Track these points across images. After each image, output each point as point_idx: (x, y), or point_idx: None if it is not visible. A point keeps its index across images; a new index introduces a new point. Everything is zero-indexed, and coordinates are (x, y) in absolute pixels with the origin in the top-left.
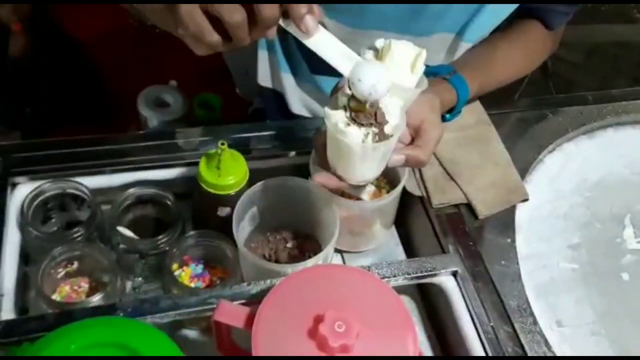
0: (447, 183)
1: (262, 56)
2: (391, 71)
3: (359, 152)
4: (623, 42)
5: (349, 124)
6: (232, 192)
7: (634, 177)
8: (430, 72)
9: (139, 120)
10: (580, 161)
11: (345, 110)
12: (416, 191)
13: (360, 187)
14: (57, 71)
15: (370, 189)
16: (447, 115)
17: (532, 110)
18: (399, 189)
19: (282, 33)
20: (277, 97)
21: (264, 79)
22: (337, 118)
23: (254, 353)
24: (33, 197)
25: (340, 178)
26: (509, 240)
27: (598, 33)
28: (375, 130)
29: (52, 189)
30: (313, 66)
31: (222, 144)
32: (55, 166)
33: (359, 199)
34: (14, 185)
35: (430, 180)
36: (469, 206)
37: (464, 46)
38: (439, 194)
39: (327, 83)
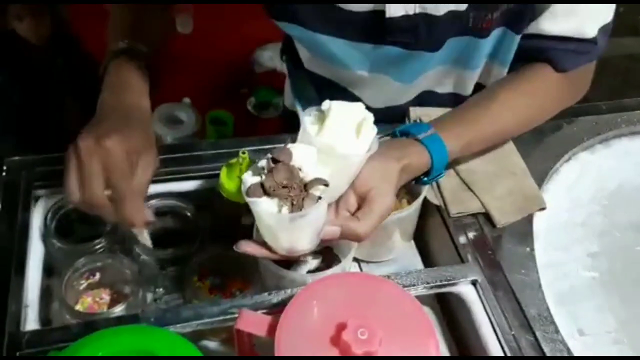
0: (465, 193)
1: (287, 82)
2: (331, 135)
3: (275, 224)
4: (633, 54)
5: (258, 193)
6: None
7: None
8: (403, 132)
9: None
10: (597, 170)
11: (262, 177)
12: (434, 200)
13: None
14: (76, 87)
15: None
16: (424, 179)
17: (547, 120)
18: (419, 200)
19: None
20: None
21: (289, 103)
22: (251, 183)
23: None
24: (55, 210)
25: (269, 249)
26: (527, 249)
27: (608, 47)
28: (294, 200)
29: None
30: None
31: (243, 152)
32: None
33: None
34: (37, 198)
35: (447, 191)
36: (486, 215)
37: (470, 74)
38: (457, 204)
39: None
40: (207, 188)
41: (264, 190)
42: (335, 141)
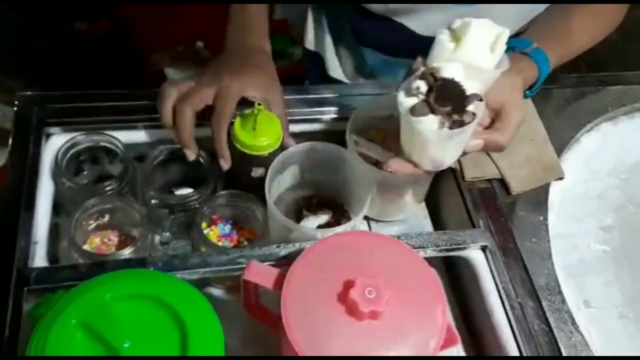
0: (481, 157)
1: (310, 19)
2: (469, 52)
3: (434, 140)
4: None
5: (424, 111)
6: (266, 152)
7: None
8: (509, 47)
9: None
10: (619, 142)
11: (420, 96)
12: None
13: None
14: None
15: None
16: (527, 92)
17: (572, 88)
18: None
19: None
20: (319, 61)
21: (309, 42)
22: (411, 104)
23: (283, 315)
24: (67, 149)
25: (414, 164)
26: (541, 218)
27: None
28: (454, 116)
29: (86, 141)
30: (359, 37)
31: (259, 104)
32: (89, 119)
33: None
34: (48, 135)
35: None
36: (502, 181)
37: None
38: (473, 168)
39: (370, 55)
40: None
41: (429, 108)
42: (475, 57)
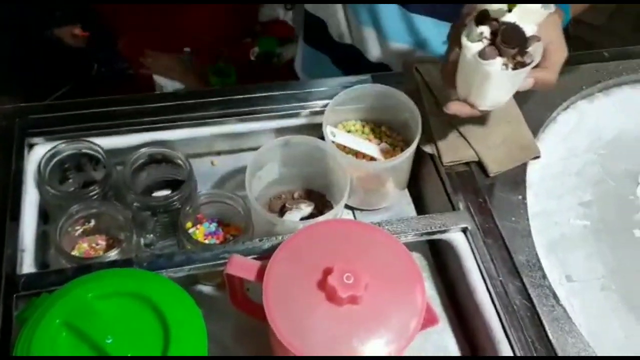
0: (458, 141)
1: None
2: None
3: (499, 81)
4: None
5: (493, 54)
6: None
7: None
8: None
9: (155, 88)
10: (595, 119)
11: (484, 41)
12: (427, 148)
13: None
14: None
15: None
16: None
17: None
18: (412, 147)
19: None
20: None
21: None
22: (478, 49)
23: (265, 305)
24: (50, 157)
25: (472, 105)
26: (519, 197)
27: None
28: (517, 58)
29: (68, 149)
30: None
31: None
32: (70, 127)
33: (372, 159)
34: (31, 146)
35: (441, 139)
36: (480, 164)
37: None
38: (450, 152)
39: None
40: (200, 136)
41: (498, 51)
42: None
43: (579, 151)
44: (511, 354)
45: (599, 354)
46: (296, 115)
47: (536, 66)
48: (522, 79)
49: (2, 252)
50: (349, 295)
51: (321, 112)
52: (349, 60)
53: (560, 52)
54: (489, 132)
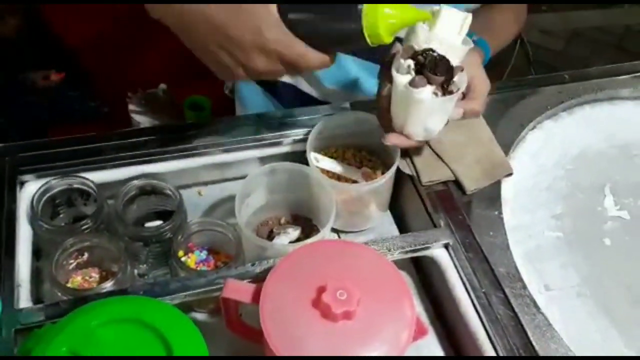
0: (435, 162)
1: None
2: (442, 33)
3: (430, 108)
4: (601, 26)
5: (422, 83)
6: None
7: (611, 149)
8: None
9: (131, 125)
10: (561, 137)
11: (412, 73)
12: (407, 170)
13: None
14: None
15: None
16: None
17: (512, 91)
18: (392, 170)
19: None
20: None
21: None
22: (407, 80)
23: (263, 325)
24: (42, 193)
25: (407, 136)
26: (496, 212)
27: (576, 20)
28: (445, 85)
29: (60, 185)
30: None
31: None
32: (59, 163)
33: (354, 181)
34: (22, 183)
35: (419, 160)
36: (457, 183)
37: None
38: (428, 173)
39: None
40: (187, 168)
41: (427, 80)
42: (447, 37)
43: (548, 167)
44: None
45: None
46: (278, 144)
47: (463, 98)
48: (452, 107)
49: None
50: (343, 311)
51: (302, 140)
52: (289, 96)
53: (483, 84)
54: (464, 152)
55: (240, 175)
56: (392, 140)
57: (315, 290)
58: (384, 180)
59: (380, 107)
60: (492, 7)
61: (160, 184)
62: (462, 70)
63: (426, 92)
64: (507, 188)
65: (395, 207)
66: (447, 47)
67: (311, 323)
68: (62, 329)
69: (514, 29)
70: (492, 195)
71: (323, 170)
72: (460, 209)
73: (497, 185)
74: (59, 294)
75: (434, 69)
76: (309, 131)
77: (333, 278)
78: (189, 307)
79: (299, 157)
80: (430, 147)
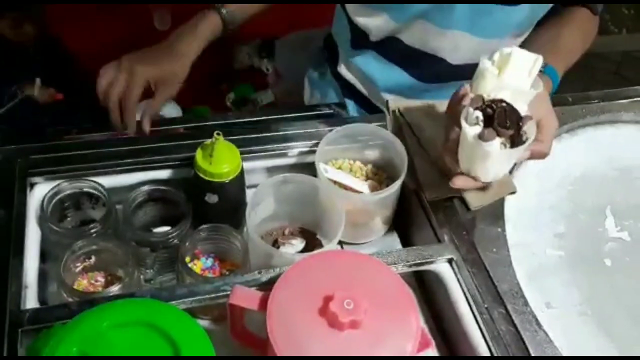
0: (440, 178)
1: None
2: (512, 78)
3: (498, 157)
4: (599, 53)
5: (492, 136)
6: (224, 180)
7: (613, 172)
8: None
9: None
10: (564, 157)
11: (480, 123)
12: (412, 184)
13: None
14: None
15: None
16: None
17: None
18: (398, 182)
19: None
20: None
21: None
22: (477, 132)
23: (269, 332)
24: (52, 195)
25: (474, 178)
26: (499, 229)
27: None
28: (514, 137)
29: (69, 188)
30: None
31: (218, 133)
32: (69, 167)
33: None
34: (32, 185)
35: (424, 176)
36: (461, 199)
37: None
38: (434, 189)
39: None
40: None
41: (496, 132)
42: (516, 82)
43: (551, 187)
44: None
45: None
46: (284, 155)
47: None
48: (520, 153)
49: (6, 288)
50: (349, 320)
51: (308, 152)
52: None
53: (552, 125)
54: None
55: (247, 184)
56: (459, 183)
57: (322, 299)
58: (392, 191)
59: (448, 150)
60: (559, 23)
61: (169, 190)
62: (531, 119)
63: (495, 144)
64: (511, 206)
65: (400, 221)
66: (516, 93)
67: (318, 332)
68: (72, 329)
69: (584, 45)
70: (495, 212)
71: (330, 180)
72: (464, 224)
73: (500, 202)
74: (66, 296)
75: (503, 122)
76: (316, 143)
77: (340, 288)
78: (193, 314)
79: (305, 168)
80: (435, 163)
